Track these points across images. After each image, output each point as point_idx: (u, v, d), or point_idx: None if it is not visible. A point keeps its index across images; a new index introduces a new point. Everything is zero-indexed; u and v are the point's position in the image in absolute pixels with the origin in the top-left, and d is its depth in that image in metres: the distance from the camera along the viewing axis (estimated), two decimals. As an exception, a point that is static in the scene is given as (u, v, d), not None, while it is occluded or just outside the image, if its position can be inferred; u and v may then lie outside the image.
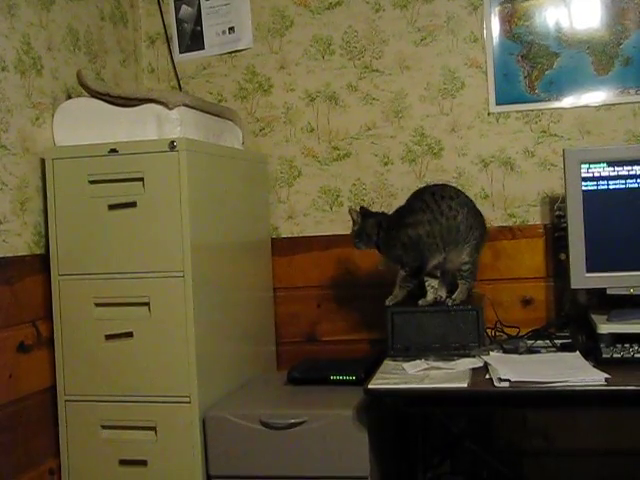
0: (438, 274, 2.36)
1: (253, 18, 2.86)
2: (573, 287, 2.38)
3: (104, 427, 2.23)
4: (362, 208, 2.45)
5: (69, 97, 2.43)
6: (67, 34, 2.46)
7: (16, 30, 2.20)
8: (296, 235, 2.83)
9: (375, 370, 2.20)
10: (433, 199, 2.31)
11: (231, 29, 2.87)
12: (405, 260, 2.33)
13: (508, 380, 1.98)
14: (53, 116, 2.33)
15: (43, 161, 2.27)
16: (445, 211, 2.29)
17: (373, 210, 2.50)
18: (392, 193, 2.75)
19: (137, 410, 2.20)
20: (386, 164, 2.77)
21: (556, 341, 2.34)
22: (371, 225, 2.38)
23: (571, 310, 2.59)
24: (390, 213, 2.44)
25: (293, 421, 2.13)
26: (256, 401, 2.30)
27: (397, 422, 2.45)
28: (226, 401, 2.28)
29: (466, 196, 2.36)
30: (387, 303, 2.35)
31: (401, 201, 2.66)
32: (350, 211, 2.42)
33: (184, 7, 2.91)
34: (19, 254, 2.17)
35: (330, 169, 2.80)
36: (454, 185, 2.44)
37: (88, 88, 2.35)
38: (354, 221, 2.40)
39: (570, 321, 2.53)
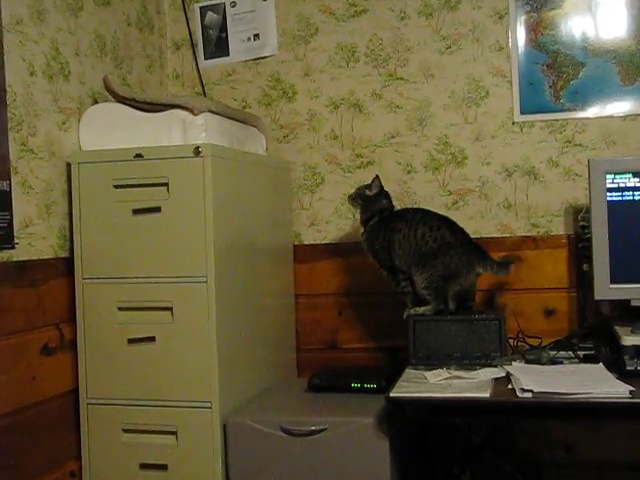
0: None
1: (278, 25, 2.87)
2: (597, 298, 2.37)
3: (125, 431, 2.24)
4: (380, 181, 2.51)
5: (95, 102, 2.44)
6: (94, 40, 2.48)
7: (45, 36, 2.23)
8: (318, 242, 2.84)
9: (396, 378, 2.20)
10: (416, 221, 2.41)
11: (256, 36, 2.89)
12: (380, 256, 2.46)
13: (531, 391, 1.96)
14: (79, 121, 2.35)
15: (69, 165, 2.29)
16: (418, 235, 2.38)
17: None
18: (415, 201, 2.74)
19: (158, 414, 2.21)
20: (409, 172, 2.77)
21: (579, 352, 2.32)
22: (379, 206, 2.50)
23: (594, 321, 2.57)
24: (393, 208, 2.53)
25: (314, 428, 2.13)
26: (277, 408, 2.30)
27: (418, 431, 2.44)
28: (247, 407, 2.28)
29: (452, 234, 2.38)
30: (404, 316, 2.37)
31: (424, 209, 2.67)
32: (377, 177, 2.51)
33: (210, 14, 2.93)
34: (44, 257, 2.19)
35: (353, 177, 2.80)
36: (454, 218, 2.46)
37: (114, 93, 2.37)
38: (371, 186, 2.49)
39: (593, 332, 2.50)
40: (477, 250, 2.40)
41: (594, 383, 1.99)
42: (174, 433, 2.19)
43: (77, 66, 2.38)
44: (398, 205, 2.74)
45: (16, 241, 2.07)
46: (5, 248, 2.03)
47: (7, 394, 2.03)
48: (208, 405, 2.17)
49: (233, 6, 2.91)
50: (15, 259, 2.07)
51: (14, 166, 2.08)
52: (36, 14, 2.19)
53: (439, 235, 2.37)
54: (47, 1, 2.24)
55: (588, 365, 2.21)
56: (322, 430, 2.12)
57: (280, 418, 2.18)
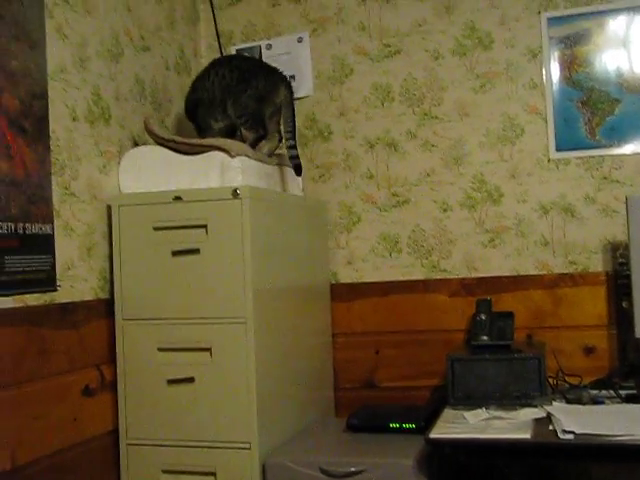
0: None
1: (313, 66, 2.91)
2: (637, 336, 2.35)
3: (165, 471, 2.24)
4: None
5: (135, 145, 2.49)
6: (134, 84, 2.54)
7: (87, 82, 2.28)
8: (355, 281, 2.84)
9: (435, 418, 2.19)
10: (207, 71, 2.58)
11: (292, 77, 2.92)
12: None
13: (572, 432, 1.94)
14: (119, 163, 2.40)
15: (109, 207, 2.33)
16: (211, 79, 2.53)
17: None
18: (451, 240, 2.75)
19: (198, 455, 2.21)
20: (445, 210, 2.77)
21: (620, 391, 2.30)
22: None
23: (635, 360, 2.54)
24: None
25: (353, 469, 2.12)
26: (315, 448, 2.29)
27: (458, 472, 2.41)
28: (286, 447, 2.28)
29: (244, 60, 2.65)
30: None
31: (460, 247, 2.70)
32: None
33: (246, 56, 2.97)
34: (85, 299, 2.22)
35: (389, 215, 2.81)
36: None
37: (154, 135, 2.41)
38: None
39: (634, 371, 2.47)
40: (276, 71, 2.55)
41: (638, 424, 1.96)
42: (213, 474, 2.19)
43: (117, 110, 2.43)
44: (434, 244, 2.76)
45: (58, 283, 2.10)
46: (48, 290, 2.07)
47: (50, 435, 2.05)
48: (247, 446, 2.17)
49: (269, 48, 2.96)
50: (57, 301, 2.10)
51: (57, 209, 2.12)
52: (79, 62, 2.25)
53: (233, 68, 2.51)
54: (90, 49, 2.30)
55: (631, 405, 2.18)
56: (361, 471, 2.11)
57: (319, 459, 2.17)
